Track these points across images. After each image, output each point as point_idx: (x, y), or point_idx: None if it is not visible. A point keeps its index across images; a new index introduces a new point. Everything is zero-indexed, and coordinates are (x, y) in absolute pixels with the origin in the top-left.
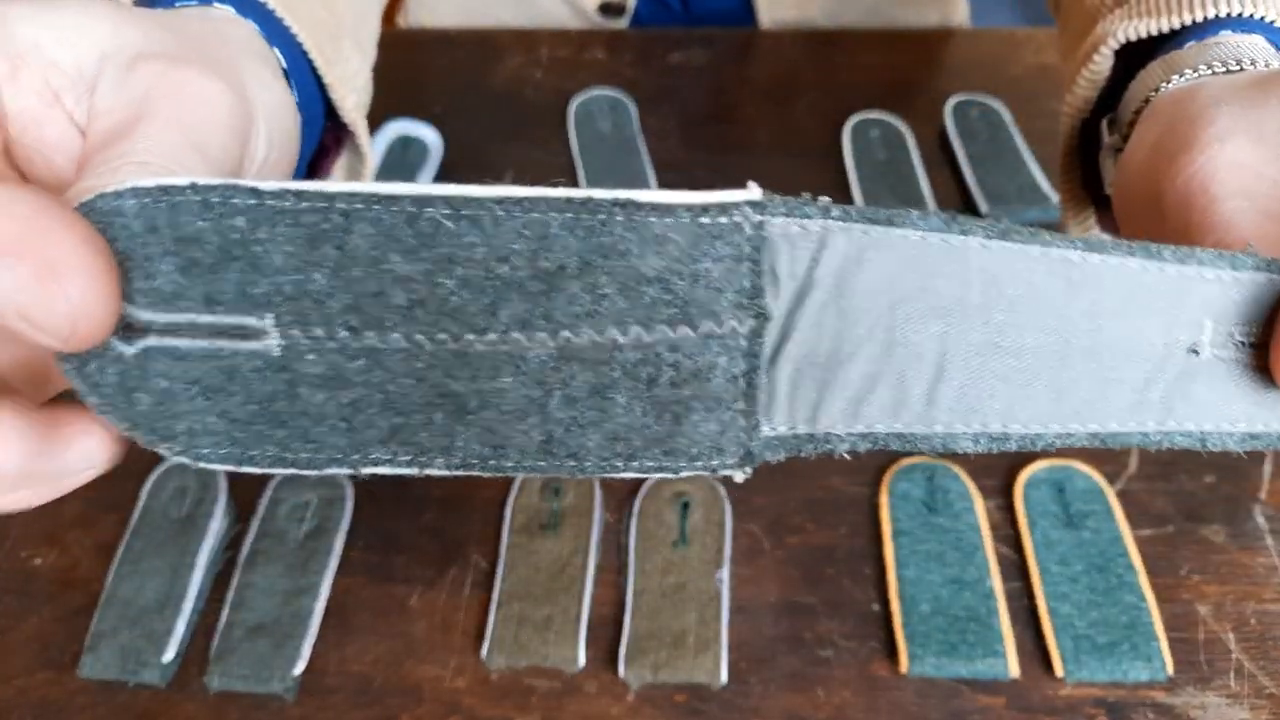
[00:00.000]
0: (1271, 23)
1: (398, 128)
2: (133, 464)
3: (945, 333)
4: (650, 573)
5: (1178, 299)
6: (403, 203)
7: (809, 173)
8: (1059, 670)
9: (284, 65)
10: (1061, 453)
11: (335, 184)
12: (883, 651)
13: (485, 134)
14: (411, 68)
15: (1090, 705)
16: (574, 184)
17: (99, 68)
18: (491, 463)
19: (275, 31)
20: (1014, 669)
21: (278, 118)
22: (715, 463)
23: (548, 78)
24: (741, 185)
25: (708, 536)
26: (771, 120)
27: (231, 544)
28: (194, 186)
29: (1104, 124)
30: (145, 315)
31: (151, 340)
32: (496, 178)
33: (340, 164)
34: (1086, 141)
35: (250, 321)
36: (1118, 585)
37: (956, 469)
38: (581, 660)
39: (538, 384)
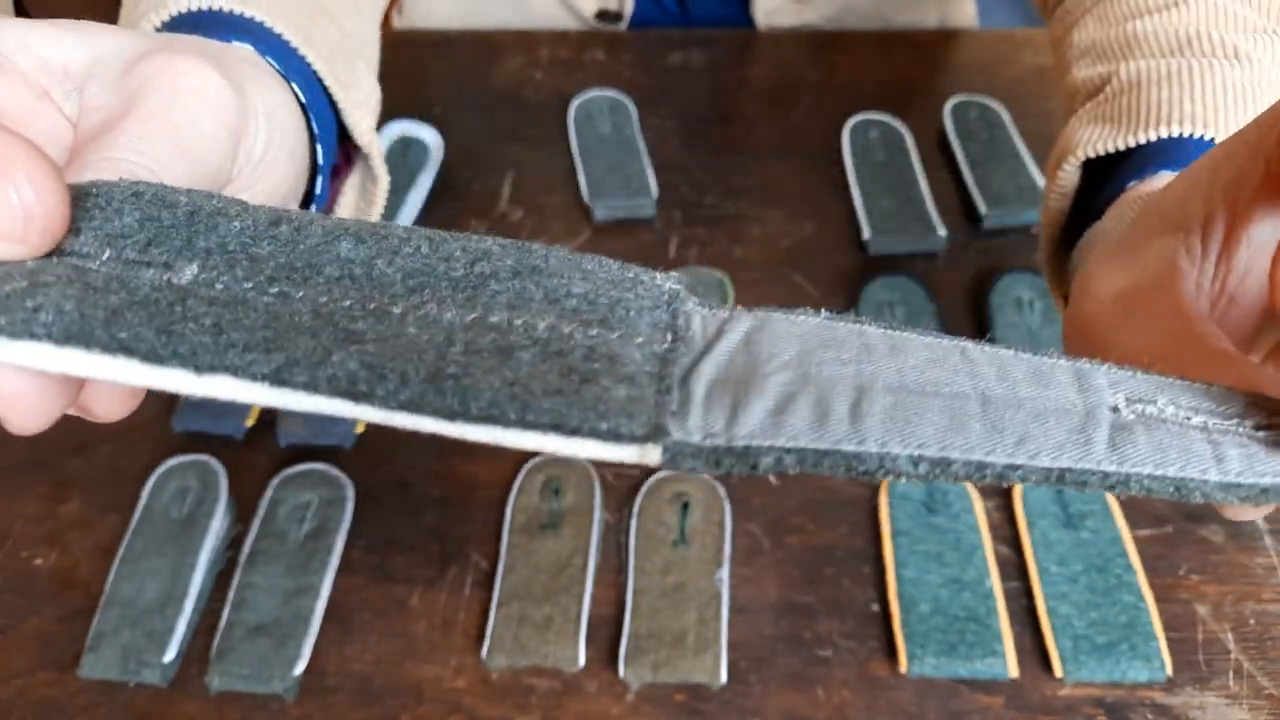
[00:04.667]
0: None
1: (398, 128)
2: (134, 465)
3: (859, 371)
4: (650, 572)
5: (1079, 378)
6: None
7: (809, 173)
8: (1058, 670)
9: (302, 100)
10: None
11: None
12: (882, 651)
13: (485, 135)
14: (412, 69)
15: (1089, 705)
16: (575, 185)
17: (89, 69)
18: (361, 387)
19: (293, 67)
20: (1013, 669)
21: (279, 119)
22: (622, 427)
23: (547, 78)
24: (741, 185)
25: (708, 536)
26: (771, 121)
27: (232, 544)
28: (189, 191)
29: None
30: (82, 247)
31: (69, 259)
32: (497, 178)
33: (352, 181)
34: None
35: (176, 263)
36: (1117, 585)
37: None
38: (581, 660)
39: (444, 335)
